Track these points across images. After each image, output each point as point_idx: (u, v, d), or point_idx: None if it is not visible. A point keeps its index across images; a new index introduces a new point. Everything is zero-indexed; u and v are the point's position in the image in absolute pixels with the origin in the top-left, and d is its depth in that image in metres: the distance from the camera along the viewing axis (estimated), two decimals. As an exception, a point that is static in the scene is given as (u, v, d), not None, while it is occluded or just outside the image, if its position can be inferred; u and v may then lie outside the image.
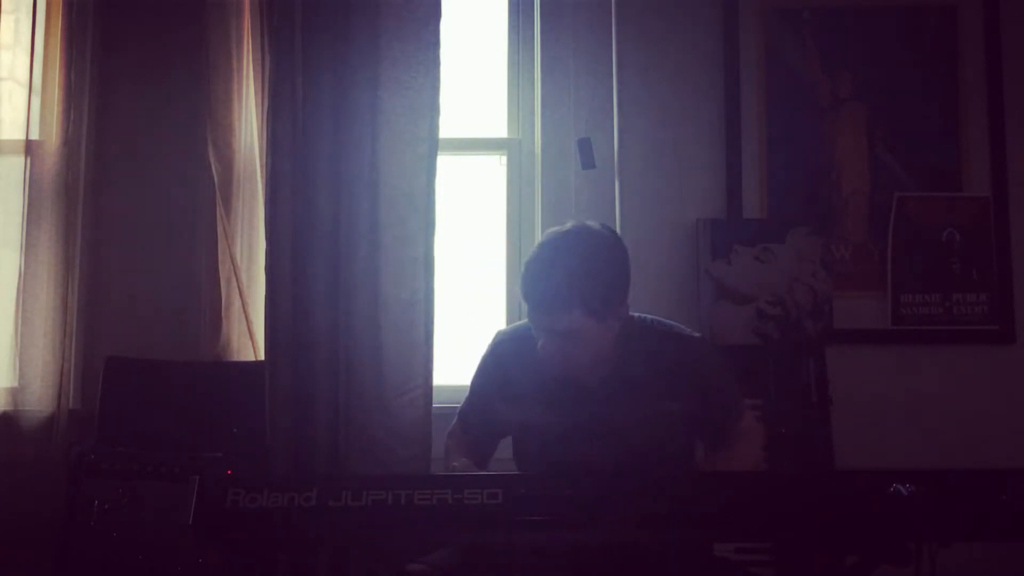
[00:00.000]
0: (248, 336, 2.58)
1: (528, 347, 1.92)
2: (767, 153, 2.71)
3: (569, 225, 1.88)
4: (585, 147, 2.65)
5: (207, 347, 2.57)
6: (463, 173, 2.87)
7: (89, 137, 2.69)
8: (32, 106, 2.63)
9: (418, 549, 1.88)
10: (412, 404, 2.42)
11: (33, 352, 2.55)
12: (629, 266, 1.88)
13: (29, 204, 2.60)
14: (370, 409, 2.41)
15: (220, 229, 2.58)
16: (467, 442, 2.05)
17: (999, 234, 2.67)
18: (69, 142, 2.62)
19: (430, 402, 2.42)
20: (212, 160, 2.59)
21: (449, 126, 2.61)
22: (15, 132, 2.63)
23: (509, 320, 2.75)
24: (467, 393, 2.09)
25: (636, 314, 1.96)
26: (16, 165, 2.62)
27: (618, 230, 2.63)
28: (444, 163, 2.52)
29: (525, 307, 1.86)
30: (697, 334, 2.03)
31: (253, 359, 2.55)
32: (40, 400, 2.54)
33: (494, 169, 2.87)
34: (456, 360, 2.70)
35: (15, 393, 2.56)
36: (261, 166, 2.60)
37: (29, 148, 2.62)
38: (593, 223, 1.89)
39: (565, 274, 1.78)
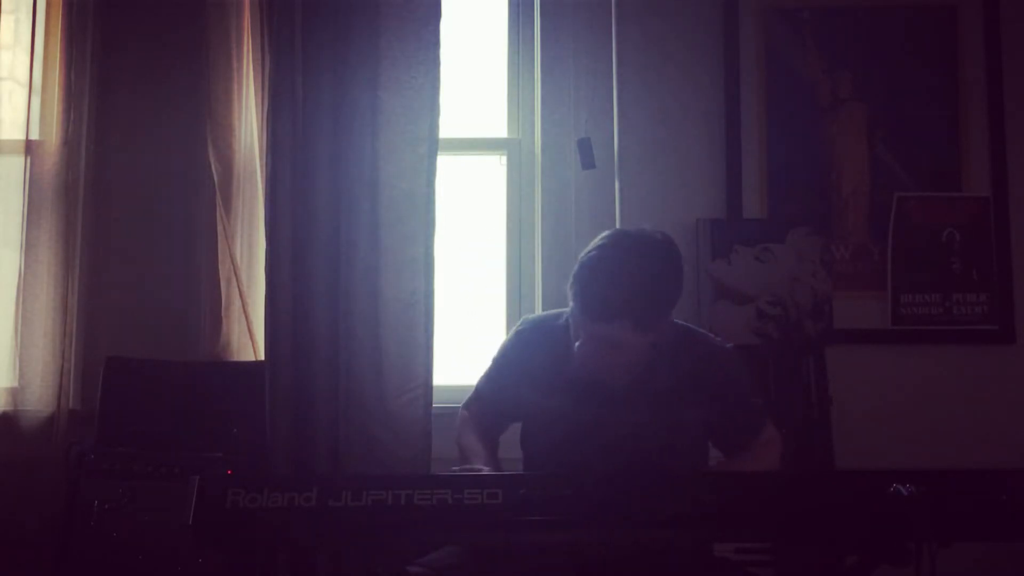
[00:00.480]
0: (248, 336, 2.58)
1: (555, 339, 1.91)
2: (767, 153, 2.71)
3: (633, 230, 1.83)
4: (585, 147, 2.65)
5: (207, 347, 2.57)
6: (463, 173, 2.88)
7: (89, 137, 2.69)
8: (32, 106, 2.63)
9: (418, 549, 1.88)
10: (412, 404, 2.42)
11: (33, 352, 2.55)
12: (683, 280, 1.85)
13: (29, 204, 2.60)
14: (370, 409, 2.41)
15: (220, 229, 2.58)
16: (479, 418, 2.05)
17: (999, 234, 2.67)
18: (69, 142, 2.62)
19: (430, 402, 2.42)
20: (212, 160, 2.59)
21: (449, 126, 2.61)
22: (15, 132, 2.63)
23: (509, 320, 2.75)
24: (487, 369, 2.08)
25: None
26: (16, 165, 2.62)
27: (618, 230, 2.64)
28: (444, 163, 2.53)
29: (571, 303, 1.80)
30: (727, 344, 2.02)
31: (253, 359, 2.56)
32: (40, 400, 2.54)
33: (494, 169, 2.88)
34: (456, 360, 2.70)
35: (15, 393, 2.56)
36: (261, 166, 2.60)
37: (29, 148, 2.62)
38: (655, 231, 1.84)
39: (623, 285, 1.73)
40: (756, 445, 1.95)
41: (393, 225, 2.46)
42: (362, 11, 2.50)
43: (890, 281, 2.66)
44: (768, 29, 2.74)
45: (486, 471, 1.83)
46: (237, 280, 2.58)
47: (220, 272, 2.58)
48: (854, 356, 2.59)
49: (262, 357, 2.48)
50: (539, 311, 2.18)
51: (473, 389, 2.11)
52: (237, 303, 2.58)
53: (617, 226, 2.64)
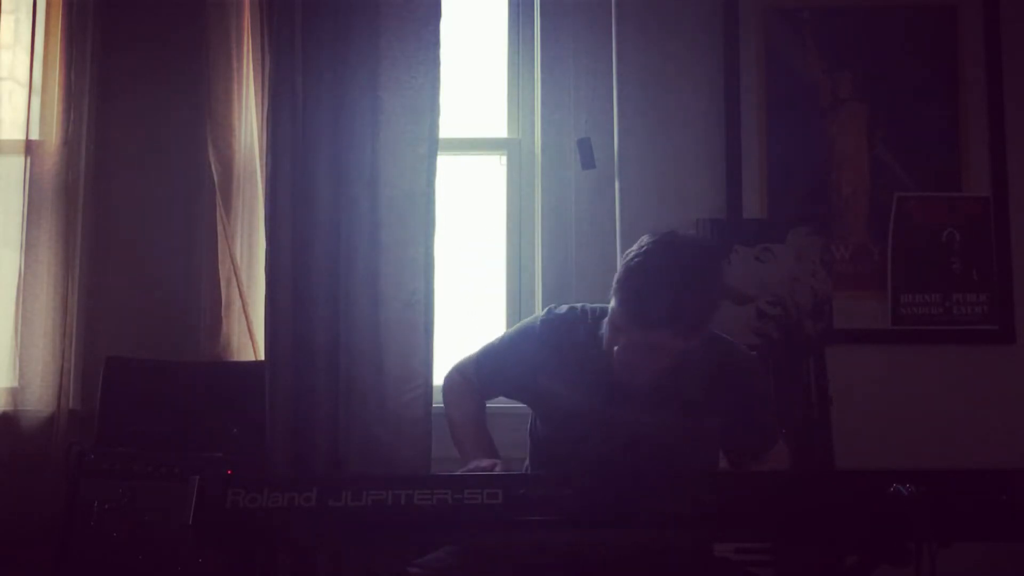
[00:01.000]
0: (248, 336, 2.58)
1: (582, 333, 1.90)
2: (767, 153, 2.71)
3: (679, 234, 1.81)
4: (585, 147, 2.65)
5: (207, 347, 2.57)
6: (463, 173, 2.88)
7: (89, 137, 2.69)
8: (32, 106, 2.63)
9: (418, 549, 1.88)
10: (412, 404, 2.42)
11: (33, 352, 2.55)
12: (722, 283, 1.84)
13: (29, 204, 2.60)
14: (370, 409, 2.41)
15: (220, 229, 2.58)
16: (476, 386, 2.05)
17: (999, 234, 2.67)
18: (69, 142, 2.62)
19: (430, 402, 2.42)
20: (212, 160, 2.59)
21: (449, 126, 2.61)
22: (15, 132, 2.63)
23: (509, 320, 2.75)
24: (494, 342, 2.06)
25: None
26: (16, 165, 2.62)
27: (618, 230, 2.65)
28: (444, 163, 2.53)
29: (615, 306, 1.76)
30: (752, 352, 2.02)
31: (253, 359, 2.55)
32: (40, 400, 2.54)
33: (494, 169, 2.88)
34: (456, 360, 2.69)
35: (15, 393, 2.56)
36: (261, 166, 2.60)
37: (29, 148, 2.62)
38: (697, 235, 1.84)
39: (671, 293, 1.70)
40: (764, 459, 1.94)
41: (393, 225, 2.46)
42: (362, 11, 2.50)
43: (890, 281, 2.66)
44: (768, 29, 2.74)
45: (488, 463, 1.83)
46: (237, 280, 2.57)
47: (220, 272, 2.58)
48: (854, 356, 2.59)
49: (262, 357, 2.48)
50: (539, 311, 2.17)
51: (473, 356, 2.08)
52: (237, 303, 2.58)
53: (617, 226, 2.64)
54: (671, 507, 1.47)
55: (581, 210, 2.70)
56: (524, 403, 2.06)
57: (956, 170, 2.70)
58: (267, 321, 2.43)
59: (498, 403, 2.16)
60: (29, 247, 2.58)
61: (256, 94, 2.63)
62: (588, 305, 1.99)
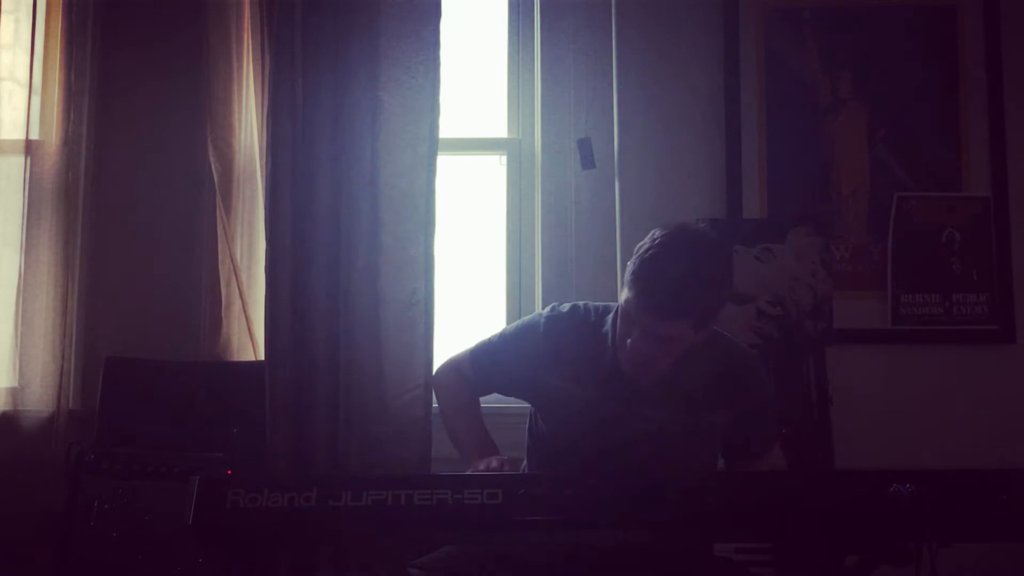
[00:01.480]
0: (248, 336, 2.58)
1: (584, 331, 1.91)
2: (767, 153, 2.71)
3: (691, 227, 1.83)
4: (585, 147, 2.65)
5: (207, 347, 2.57)
6: (463, 173, 2.87)
7: (89, 137, 2.69)
8: (32, 106, 2.63)
9: (418, 549, 1.88)
10: (412, 404, 2.42)
11: (33, 352, 2.55)
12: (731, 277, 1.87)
13: (29, 204, 2.60)
14: (370, 409, 2.41)
15: (220, 229, 2.58)
16: (472, 382, 2.05)
17: (999, 234, 2.67)
18: (69, 142, 2.62)
19: (430, 402, 2.42)
20: (212, 160, 2.59)
21: (449, 126, 2.61)
22: (15, 132, 2.63)
23: (509, 320, 2.74)
24: (492, 338, 2.06)
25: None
26: (16, 165, 2.62)
27: (618, 230, 2.65)
28: (444, 163, 2.52)
29: (629, 298, 1.76)
30: (755, 352, 2.03)
31: (253, 359, 2.55)
32: (40, 400, 2.54)
33: (494, 169, 2.87)
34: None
35: (15, 393, 2.56)
36: (261, 166, 2.60)
37: (29, 148, 2.62)
38: (705, 228, 1.86)
39: (687, 283, 1.72)
40: (762, 463, 1.95)
41: (393, 225, 2.46)
42: (362, 11, 2.49)
43: (890, 281, 2.66)
44: (768, 29, 2.74)
45: (497, 463, 1.83)
46: (237, 280, 2.57)
47: (220, 272, 2.58)
48: (854, 356, 2.59)
49: (262, 357, 2.48)
50: (539, 311, 2.18)
51: (468, 352, 2.08)
52: (237, 303, 2.58)
53: (617, 226, 2.64)
54: (671, 507, 1.47)
55: (581, 210, 2.70)
56: (523, 399, 2.06)
57: (956, 170, 2.70)
58: (267, 321, 2.43)
59: (497, 403, 2.16)
60: (29, 247, 2.58)
61: (256, 94, 2.63)
62: (591, 304, 2.00)
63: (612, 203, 2.68)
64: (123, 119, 2.73)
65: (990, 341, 2.64)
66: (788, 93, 2.72)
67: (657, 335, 1.75)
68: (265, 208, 2.50)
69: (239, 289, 2.57)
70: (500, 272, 2.83)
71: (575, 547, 1.66)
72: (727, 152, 2.69)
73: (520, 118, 2.84)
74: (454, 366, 2.11)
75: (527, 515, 1.47)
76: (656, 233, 1.79)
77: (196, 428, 2.38)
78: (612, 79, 2.70)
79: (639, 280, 1.74)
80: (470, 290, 2.86)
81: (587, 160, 2.65)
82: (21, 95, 2.64)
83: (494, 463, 1.82)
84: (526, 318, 2.08)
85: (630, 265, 1.78)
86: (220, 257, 2.58)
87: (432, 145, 2.48)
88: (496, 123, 2.88)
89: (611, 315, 1.90)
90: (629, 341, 1.79)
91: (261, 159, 2.60)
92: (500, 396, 2.13)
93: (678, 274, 1.71)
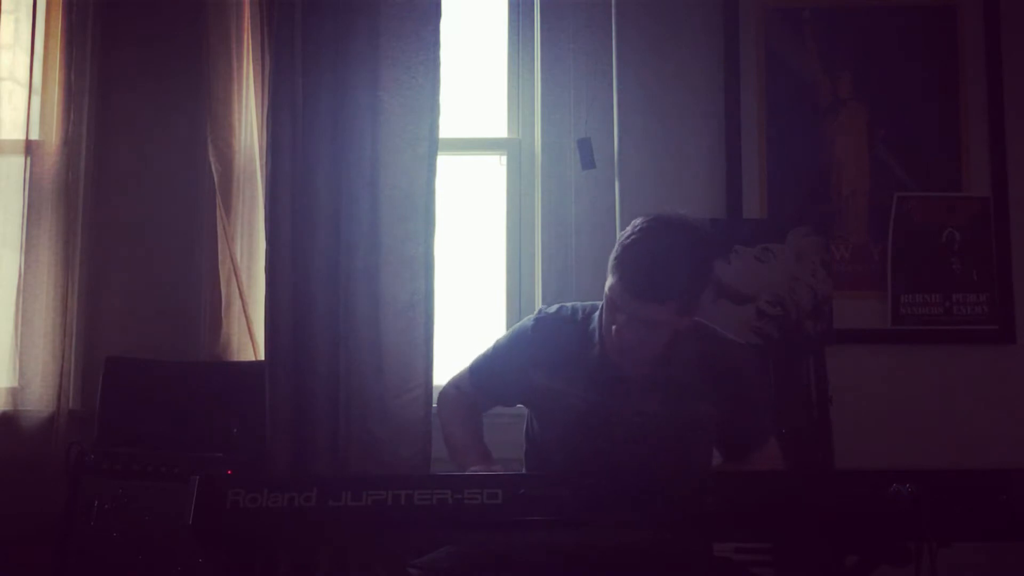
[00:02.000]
0: (248, 336, 2.58)
1: (573, 330, 1.93)
2: (767, 153, 2.71)
3: (672, 214, 1.84)
4: (585, 147, 2.65)
5: (207, 347, 2.57)
6: (463, 173, 2.87)
7: (89, 137, 2.69)
8: (32, 106, 2.63)
9: (418, 549, 1.88)
10: (412, 404, 2.42)
11: (33, 352, 2.56)
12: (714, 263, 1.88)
13: (29, 204, 2.60)
14: (370, 409, 2.41)
15: (220, 229, 2.58)
16: (471, 397, 2.06)
17: (999, 234, 2.67)
18: (69, 142, 2.62)
19: (430, 402, 2.42)
20: (212, 160, 2.59)
21: (449, 126, 2.61)
22: (15, 132, 2.63)
23: (509, 320, 2.75)
24: (486, 351, 2.07)
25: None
26: (16, 165, 2.62)
27: (618, 230, 2.64)
28: (444, 163, 2.52)
29: (613, 284, 1.78)
30: (746, 343, 2.03)
31: (253, 359, 2.55)
32: (40, 400, 2.54)
33: (494, 169, 2.87)
34: (456, 360, 2.69)
35: (15, 393, 2.56)
36: (261, 166, 2.60)
37: (29, 148, 2.63)
38: (689, 215, 1.86)
39: (670, 265, 1.75)
40: (759, 459, 1.95)
41: (393, 225, 2.46)
42: (362, 11, 2.49)
43: (890, 281, 2.66)
44: (768, 29, 2.74)
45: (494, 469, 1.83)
46: (237, 280, 2.57)
47: (220, 272, 2.58)
48: (854, 356, 2.59)
49: (262, 357, 2.48)
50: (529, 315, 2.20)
51: (466, 369, 2.10)
52: (237, 303, 2.58)
53: (617, 226, 2.64)
54: (671, 507, 1.47)
55: (581, 210, 2.70)
56: (522, 404, 2.07)
57: (956, 170, 2.70)
58: (267, 321, 2.43)
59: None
60: (29, 247, 2.58)
61: (256, 94, 2.63)
62: (578, 303, 2.02)
63: (612, 203, 2.68)
64: (123, 119, 2.73)
65: (990, 341, 2.64)
66: (788, 93, 2.72)
67: (641, 319, 1.77)
68: (265, 208, 2.50)
69: (239, 289, 2.57)
70: (500, 272, 2.83)
71: (575, 547, 1.66)
72: (727, 152, 2.69)
73: (520, 118, 2.84)
74: (454, 384, 2.12)
75: (527, 515, 1.47)
76: (638, 221, 1.82)
77: (196, 428, 2.39)
78: (612, 79, 2.70)
79: (621, 264, 1.77)
80: (470, 290, 2.86)
81: (587, 160, 2.65)
82: (21, 95, 2.64)
83: (481, 471, 1.83)
84: (516, 325, 2.09)
85: (613, 252, 1.81)
86: (220, 257, 2.58)
87: (432, 145, 2.48)
88: (496, 123, 2.88)
89: (598, 312, 1.92)
90: (614, 328, 1.80)
91: (261, 159, 2.60)
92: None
93: (659, 257, 1.74)
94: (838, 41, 2.73)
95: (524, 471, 2.06)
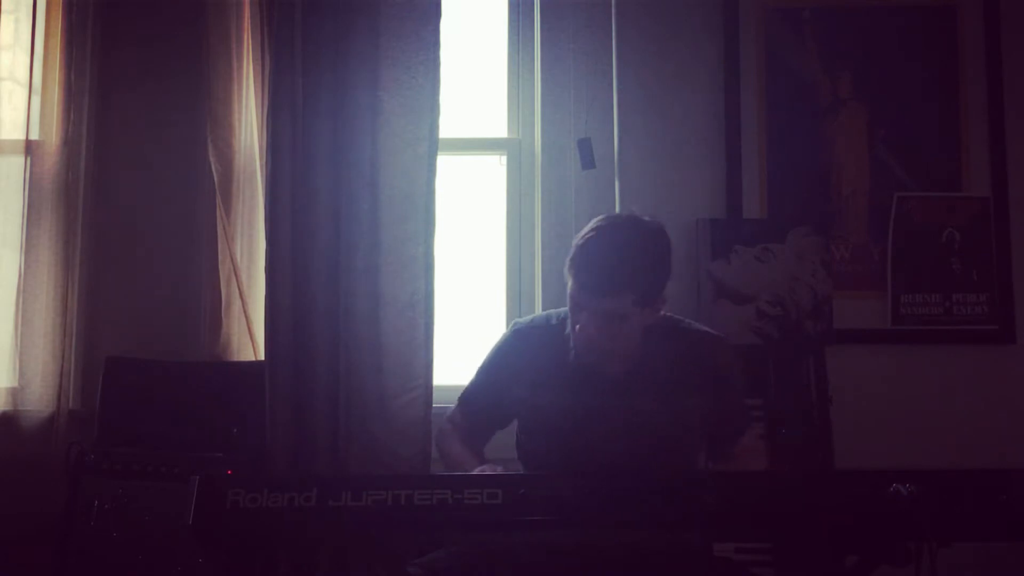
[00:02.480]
0: (248, 336, 2.58)
1: (548, 336, 1.95)
2: (767, 153, 2.71)
3: (624, 213, 1.93)
4: (585, 147, 2.65)
5: (207, 347, 2.57)
6: (463, 173, 2.87)
7: (89, 137, 2.69)
8: (32, 106, 2.63)
9: (418, 549, 1.88)
10: (412, 404, 2.42)
11: (33, 352, 2.55)
12: (672, 262, 1.92)
13: (29, 204, 2.60)
14: (370, 409, 2.41)
15: (220, 229, 2.58)
16: (466, 427, 2.07)
17: (999, 234, 2.67)
18: (69, 142, 2.62)
19: (430, 402, 2.42)
20: (212, 160, 2.59)
21: (449, 126, 2.61)
22: (15, 132, 2.63)
23: (509, 320, 2.74)
24: (471, 379, 2.10)
25: (662, 312, 1.98)
26: (16, 165, 2.62)
27: (618, 230, 2.64)
28: (444, 163, 2.52)
29: (571, 284, 1.85)
30: (721, 334, 2.05)
31: (253, 359, 2.55)
32: (40, 400, 2.54)
33: (494, 169, 2.87)
34: (456, 360, 2.70)
35: (15, 393, 2.56)
36: (261, 166, 2.60)
37: (29, 148, 2.62)
38: (644, 214, 1.92)
39: (621, 258, 1.81)
40: (741, 448, 1.98)
41: (393, 225, 2.45)
42: (362, 11, 2.49)
43: (890, 281, 2.66)
44: (768, 29, 2.74)
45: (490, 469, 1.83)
46: (237, 280, 2.57)
47: (220, 272, 2.58)
48: (854, 356, 2.59)
49: (262, 357, 2.48)
50: (539, 311, 2.19)
51: (456, 403, 2.12)
52: (237, 303, 2.58)
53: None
54: (671, 507, 1.47)
55: (581, 210, 2.69)
56: (514, 418, 2.08)
57: (956, 170, 2.70)
58: (267, 321, 2.43)
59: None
60: (29, 247, 2.58)
61: (256, 94, 2.63)
62: (552, 310, 2.07)
63: (612, 203, 2.68)
64: (123, 119, 2.73)
65: (990, 341, 2.64)
66: (788, 93, 2.72)
67: (602, 315, 1.82)
68: (265, 208, 2.50)
69: (239, 289, 2.57)
70: (500, 272, 2.83)
71: (575, 547, 1.67)
72: (727, 152, 2.69)
73: (520, 118, 2.84)
74: (448, 419, 2.14)
75: (527, 515, 1.47)
76: (591, 223, 1.89)
77: (196, 428, 2.38)
78: (612, 79, 2.70)
79: (575, 264, 1.84)
80: (470, 290, 2.86)
81: (587, 160, 2.65)
82: (21, 95, 2.64)
83: (488, 470, 1.83)
84: (495, 342, 2.11)
85: (568, 255, 1.88)
86: (220, 257, 2.58)
87: (432, 145, 2.48)
88: (496, 123, 2.88)
89: (568, 300, 1.93)
90: (578, 327, 1.85)
91: (261, 159, 2.60)
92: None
93: (610, 252, 1.81)
94: (838, 41, 2.73)
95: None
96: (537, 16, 2.78)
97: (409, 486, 1.48)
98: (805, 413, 2.47)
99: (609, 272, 1.80)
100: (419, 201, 2.46)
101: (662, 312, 1.93)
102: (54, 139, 2.61)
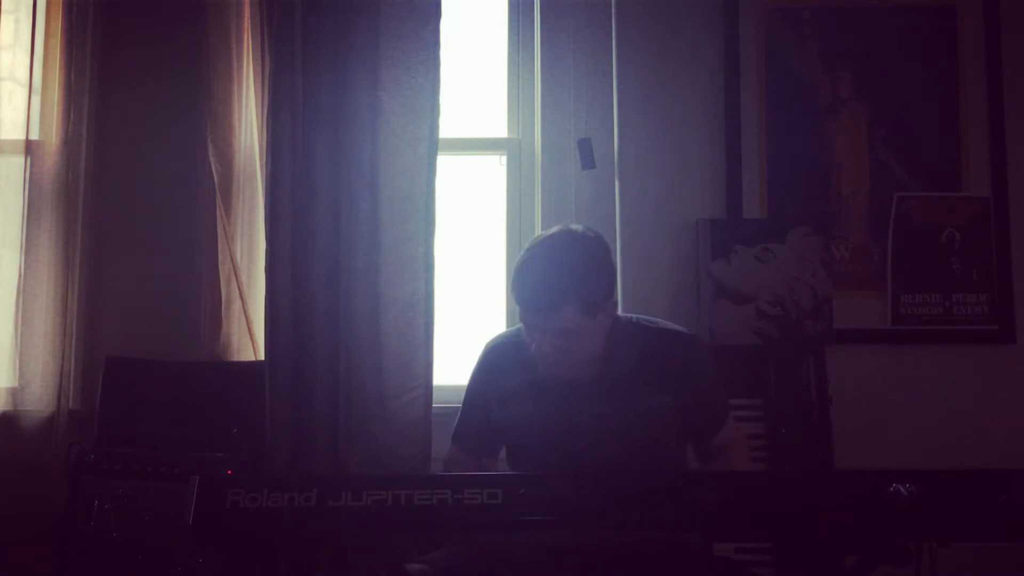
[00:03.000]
0: (248, 336, 2.58)
1: (519, 351, 1.94)
2: (767, 153, 2.71)
3: (554, 228, 1.93)
4: (585, 147, 2.65)
5: (207, 347, 2.57)
6: (463, 173, 2.87)
7: (89, 137, 2.69)
8: (32, 106, 2.63)
9: (418, 549, 1.88)
10: (412, 404, 2.42)
11: (33, 352, 2.56)
12: (614, 263, 1.94)
13: (29, 204, 2.60)
14: (370, 409, 2.41)
15: (220, 229, 2.58)
16: (463, 460, 2.05)
17: (999, 234, 2.67)
18: (69, 142, 2.62)
19: (430, 402, 2.42)
20: (212, 160, 2.59)
21: (449, 126, 2.61)
22: (15, 132, 2.63)
23: (509, 320, 2.75)
24: (459, 413, 2.09)
25: (626, 315, 2.01)
26: (16, 165, 2.62)
27: (618, 230, 2.65)
28: (444, 163, 2.52)
29: (518, 310, 1.88)
30: (689, 330, 2.05)
31: (253, 359, 2.55)
32: (40, 400, 2.54)
33: (494, 169, 2.87)
34: (456, 360, 2.70)
35: (15, 393, 2.56)
36: (261, 166, 2.60)
37: (29, 148, 2.63)
38: (575, 225, 1.94)
39: (556, 274, 1.82)
40: (721, 443, 1.97)
41: (393, 225, 2.46)
42: (362, 11, 2.49)
43: (890, 281, 2.66)
44: (768, 29, 2.74)
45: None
46: (237, 280, 2.58)
47: (220, 272, 2.58)
48: (854, 356, 2.59)
49: (262, 357, 2.48)
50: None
51: (451, 440, 2.11)
52: (237, 303, 2.58)
53: (617, 226, 2.65)
54: (671, 507, 1.47)
55: (581, 210, 2.69)
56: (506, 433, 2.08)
57: (956, 170, 2.70)
58: (267, 321, 2.43)
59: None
60: (29, 247, 2.58)
61: (256, 94, 2.63)
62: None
63: (612, 203, 2.68)
64: (123, 119, 2.73)
65: (990, 341, 2.64)
66: (788, 93, 2.72)
67: (551, 331, 1.83)
68: (265, 208, 2.50)
69: (239, 289, 2.57)
70: (500, 272, 2.83)
71: (575, 547, 1.67)
72: (727, 152, 2.69)
73: (520, 118, 2.84)
74: (445, 461, 2.13)
75: (527, 515, 1.47)
76: (529, 242, 1.93)
77: (196, 428, 2.38)
78: (612, 79, 2.70)
79: (516, 285, 1.87)
80: (470, 290, 2.86)
81: (587, 160, 2.65)
82: (21, 95, 2.64)
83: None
84: (472, 368, 2.11)
85: (510, 281, 1.90)
86: (220, 257, 2.58)
87: (432, 145, 2.48)
88: (496, 123, 2.88)
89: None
90: (534, 345, 1.86)
91: (261, 159, 2.60)
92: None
93: (544, 269, 1.83)
94: (838, 41, 2.73)
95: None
96: (537, 16, 2.78)
97: (409, 486, 1.48)
98: (805, 413, 2.47)
99: (547, 289, 1.81)
100: (419, 201, 2.46)
101: (620, 314, 1.95)
102: (54, 139, 2.62)
